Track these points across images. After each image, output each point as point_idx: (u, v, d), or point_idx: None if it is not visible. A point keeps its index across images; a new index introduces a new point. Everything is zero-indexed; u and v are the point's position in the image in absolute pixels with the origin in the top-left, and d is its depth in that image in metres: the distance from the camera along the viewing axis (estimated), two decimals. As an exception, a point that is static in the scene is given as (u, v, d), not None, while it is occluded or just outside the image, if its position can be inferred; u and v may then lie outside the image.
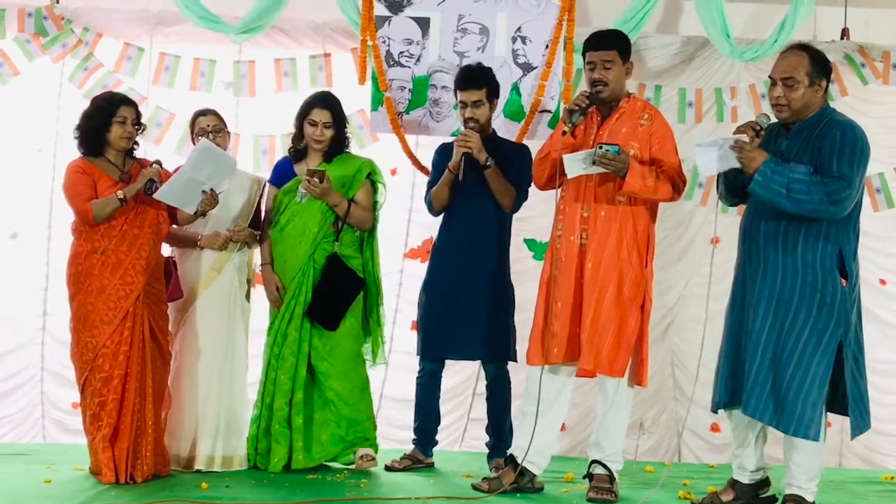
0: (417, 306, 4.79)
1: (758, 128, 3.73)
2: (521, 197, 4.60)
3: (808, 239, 3.67)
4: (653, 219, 4.17)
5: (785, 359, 3.65)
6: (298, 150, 4.66)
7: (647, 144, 4.07)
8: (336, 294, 4.54)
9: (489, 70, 4.63)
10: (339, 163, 4.62)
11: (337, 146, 4.65)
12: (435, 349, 4.66)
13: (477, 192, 4.52)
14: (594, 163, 3.94)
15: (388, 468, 4.62)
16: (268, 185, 4.71)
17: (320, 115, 4.58)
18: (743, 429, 3.91)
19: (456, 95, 4.59)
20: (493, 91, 4.58)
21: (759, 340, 3.70)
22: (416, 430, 4.82)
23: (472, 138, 4.44)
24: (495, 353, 4.58)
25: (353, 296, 4.57)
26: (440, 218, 4.73)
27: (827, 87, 3.77)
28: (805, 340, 3.64)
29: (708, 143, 3.83)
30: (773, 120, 3.83)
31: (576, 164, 3.99)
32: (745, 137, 3.69)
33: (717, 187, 4.06)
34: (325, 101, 4.64)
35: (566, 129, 4.07)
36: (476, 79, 4.54)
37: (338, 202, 4.54)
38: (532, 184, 4.51)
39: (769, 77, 3.83)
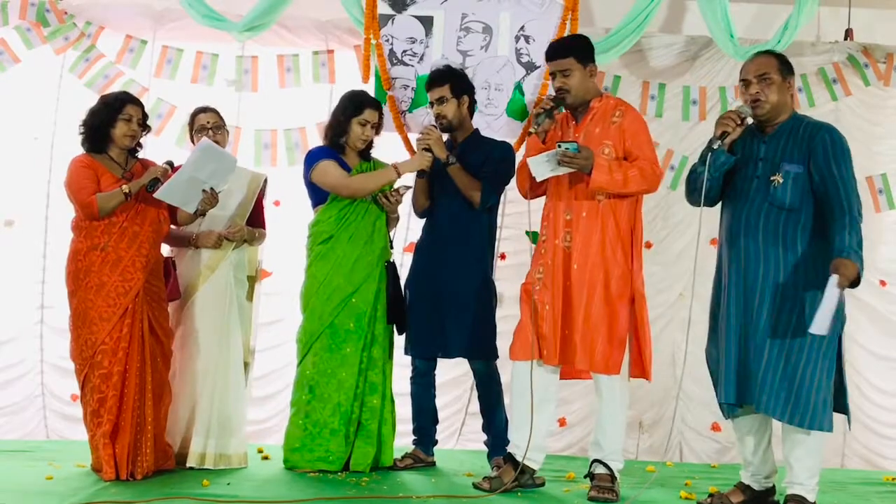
0: None
1: (743, 116, 3.78)
2: (491, 194, 4.59)
3: (805, 234, 3.73)
4: (635, 213, 4.16)
5: (795, 354, 3.67)
6: (339, 145, 4.63)
7: (620, 140, 4.09)
8: (403, 299, 4.67)
9: (456, 69, 4.71)
10: (376, 166, 4.69)
11: (370, 146, 4.72)
12: (423, 348, 4.67)
13: (457, 190, 4.54)
14: (560, 163, 3.98)
15: (390, 467, 4.62)
16: (325, 160, 4.57)
17: (373, 117, 4.61)
18: (751, 434, 3.90)
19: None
20: (458, 87, 4.61)
21: (765, 337, 3.72)
22: (415, 431, 4.83)
23: (431, 136, 4.52)
24: (481, 350, 4.58)
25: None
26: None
27: (793, 87, 3.87)
28: (811, 335, 3.63)
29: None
30: (750, 111, 3.83)
31: (541, 167, 4.04)
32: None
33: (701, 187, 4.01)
34: (378, 103, 4.70)
35: (532, 129, 4.14)
36: (438, 77, 4.63)
37: (398, 215, 4.69)
38: (510, 182, 4.61)
39: (742, 80, 3.87)
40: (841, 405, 3.79)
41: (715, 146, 3.78)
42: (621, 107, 4.19)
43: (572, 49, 4.18)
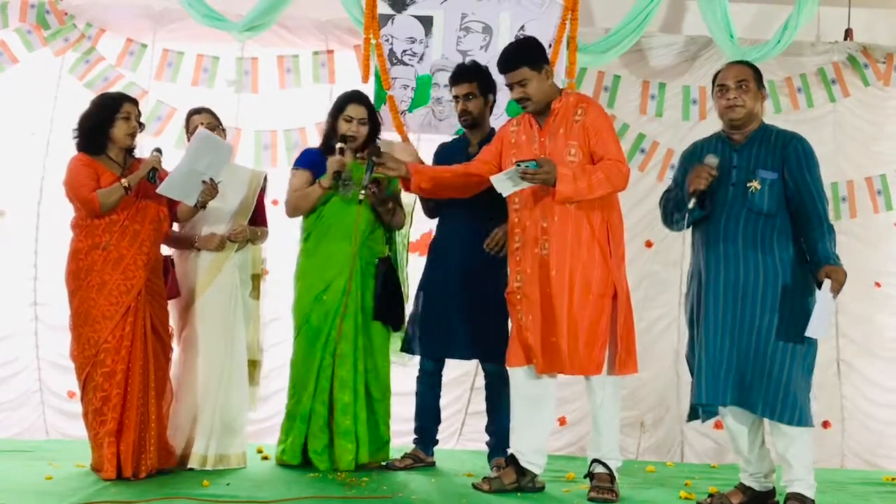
0: (413, 304, 4.78)
1: (714, 171, 3.86)
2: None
3: (781, 238, 3.83)
4: (610, 210, 4.11)
5: (779, 354, 3.74)
6: (331, 147, 4.59)
7: (584, 139, 4.05)
8: (399, 296, 4.63)
9: (483, 67, 4.66)
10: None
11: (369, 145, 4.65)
12: (433, 348, 4.66)
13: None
14: (522, 178, 3.95)
15: (388, 466, 4.62)
16: (297, 168, 4.65)
17: (356, 112, 4.57)
18: (745, 430, 3.91)
19: (451, 92, 4.64)
20: (485, 85, 4.59)
21: (749, 339, 3.79)
22: (416, 430, 4.82)
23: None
24: (493, 352, 4.55)
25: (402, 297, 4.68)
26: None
27: (765, 98, 4.02)
28: (794, 335, 3.74)
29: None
30: (717, 161, 3.88)
31: (504, 184, 4.00)
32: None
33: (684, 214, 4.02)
34: (362, 98, 4.65)
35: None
36: (467, 73, 4.59)
37: (391, 208, 4.60)
38: None
39: (718, 85, 3.94)
40: None
41: (690, 205, 3.88)
42: (582, 104, 4.12)
43: (524, 58, 4.10)
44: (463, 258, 4.56)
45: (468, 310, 4.52)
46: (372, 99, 5.21)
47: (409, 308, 4.78)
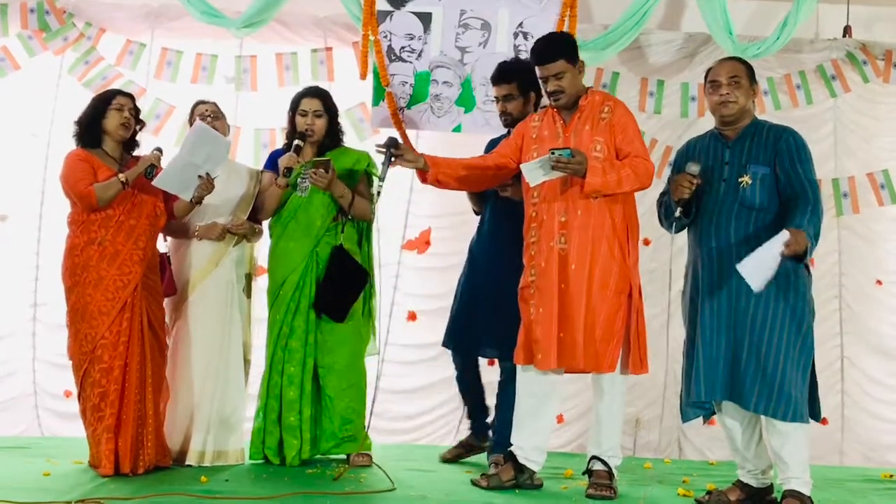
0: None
1: (694, 179, 3.88)
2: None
3: (773, 233, 3.76)
4: (629, 208, 4.13)
5: (773, 349, 3.74)
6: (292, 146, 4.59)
7: (610, 136, 4.06)
8: (344, 286, 4.53)
9: (523, 64, 4.55)
10: (334, 156, 4.58)
11: (330, 139, 4.62)
12: (457, 343, 4.68)
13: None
14: (553, 167, 3.94)
15: (442, 459, 4.83)
16: (263, 171, 4.69)
17: (310, 105, 4.56)
18: (741, 427, 3.91)
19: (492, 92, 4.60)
20: (525, 84, 4.48)
21: (743, 335, 3.79)
22: (468, 416, 4.97)
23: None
24: (512, 351, 4.55)
25: (361, 288, 4.58)
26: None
27: (757, 94, 4.05)
28: (788, 329, 3.74)
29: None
30: (699, 168, 3.89)
31: (535, 173, 3.99)
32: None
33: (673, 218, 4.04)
34: (315, 91, 4.64)
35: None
36: (506, 73, 4.51)
37: (343, 193, 4.51)
38: None
39: (710, 82, 3.96)
40: (814, 410, 3.85)
41: (676, 214, 3.91)
42: (609, 102, 4.14)
43: (562, 50, 4.09)
44: (492, 258, 4.55)
45: (493, 308, 4.49)
46: (371, 96, 5.24)
47: (385, 307, 4.87)
